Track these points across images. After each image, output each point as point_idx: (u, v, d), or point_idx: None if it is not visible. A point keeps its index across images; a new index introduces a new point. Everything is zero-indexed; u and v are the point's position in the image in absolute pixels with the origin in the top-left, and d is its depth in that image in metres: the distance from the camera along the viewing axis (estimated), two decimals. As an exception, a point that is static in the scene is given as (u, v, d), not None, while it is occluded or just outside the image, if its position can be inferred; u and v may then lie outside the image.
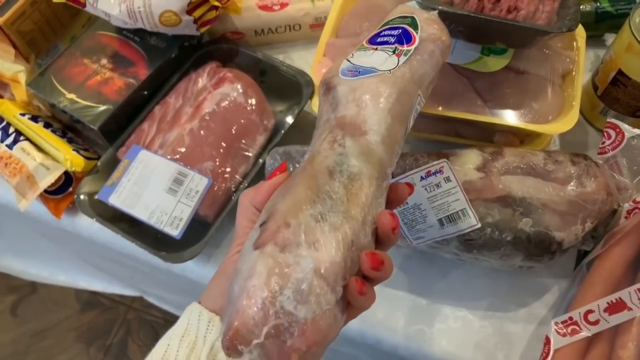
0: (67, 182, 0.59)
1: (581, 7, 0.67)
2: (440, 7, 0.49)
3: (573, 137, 0.63)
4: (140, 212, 0.54)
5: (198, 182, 0.54)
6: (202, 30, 0.61)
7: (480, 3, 0.50)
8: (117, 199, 0.55)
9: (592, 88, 0.62)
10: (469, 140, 0.58)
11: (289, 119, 0.61)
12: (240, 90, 0.59)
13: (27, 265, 0.87)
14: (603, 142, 0.51)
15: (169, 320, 1.25)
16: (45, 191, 0.59)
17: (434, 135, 0.58)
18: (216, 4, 0.59)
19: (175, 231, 0.53)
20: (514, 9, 0.50)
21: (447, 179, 0.51)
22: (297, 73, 0.63)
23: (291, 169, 0.55)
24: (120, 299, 1.32)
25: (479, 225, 0.49)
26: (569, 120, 0.53)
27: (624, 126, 0.51)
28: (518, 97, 0.54)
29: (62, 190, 0.59)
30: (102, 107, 0.59)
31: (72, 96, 0.59)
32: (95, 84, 0.60)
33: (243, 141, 0.58)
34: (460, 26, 0.51)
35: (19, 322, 1.31)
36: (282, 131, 0.60)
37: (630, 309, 0.45)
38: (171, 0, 0.57)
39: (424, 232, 0.51)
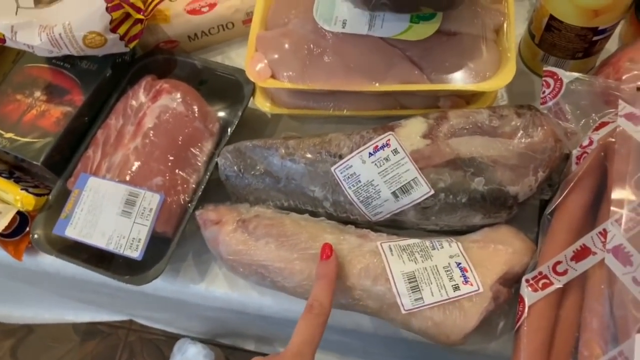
0: (22, 222, 0.58)
1: (508, -43, 0.67)
2: (357, -17, 0.49)
3: (519, 88, 0.63)
4: (98, 240, 0.53)
5: (150, 200, 0.54)
6: (131, 45, 0.60)
7: (397, -28, 0.49)
8: (74, 231, 0.54)
9: (529, 37, 0.61)
10: (416, 110, 0.58)
11: (235, 118, 0.60)
12: (180, 100, 0.58)
13: (9, 309, 0.87)
14: (543, 92, 0.51)
15: (170, 336, 1.25)
16: (2, 235, 0.58)
17: (379, 112, 0.58)
18: (139, 17, 0.58)
19: (135, 253, 0.52)
20: (433, -29, 0.49)
21: (395, 151, 0.50)
22: (236, 72, 0.62)
23: (240, 165, 0.55)
24: (119, 324, 1.31)
25: (432, 192, 0.49)
26: (507, 74, 0.52)
27: (561, 72, 0.51)
28: (453, 59, 0.54)
29: (19, 232, 0.58)
30: (43, 141, 0.58)
31: (10, 135, 0.58)
32: (32, 119, 0.59)
33: (191, 150, 0.57)
34: (382, -2, 0.51)
35: (22, 365, 1.30)
36: (230, 131, 0.59)
37: (595, 253, 0.45)
38: (92, 21, 0.56)
39: (381, 207, 0.51)
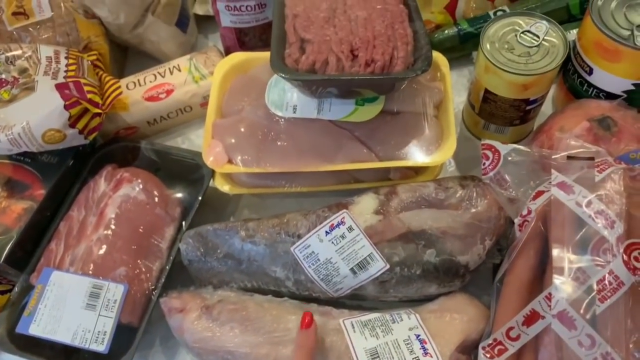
0: (-15, 321, 0.58)
1: (445, 31, 0.73)
2: (303, 77, 0.52)
3: (466, 153, 0.67)
4: (63, 336, 0.53)
5: (114, 291, 0.54)
6: (90, 137, 0.61)
7: (339, 63, 0.53)
8: (37, 328, 0.54)
9: (470, 107, 0.66)
10: (369, 182, 0.60)
11: (196, 201, 0.62)
12: (140, 188, 0.60)
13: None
14: (484, 164, 0.54)
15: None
16: (-36, 336, 0.57)
17: (335, 187, 0.61)
18: (97, 111, 0.60)
19: (101, 347, 0.53)
20: (371, 61, 0.53)
21: (350, 229, 0.53)
22: (195, 155, 0.64)
23: (202, 249, 0.56)
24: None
25: (388, 266, 0.52)
26: (448, 149, 0.56)
27: (498, 145, 0.54)
28: (398, 137, 0.57)
29: (-19, 331, 0.58)
30: (4, 238, 0.58)
31: (-30, 234, 0.58)
32: (-7, 216, 0.60)
33: (153, 237, 0.59)
34: (328, 88, 0.54)
35: None
36: (191, 215, 0.61)
37: (543, 317, 0.47)
38: (50, 119, 0.58)
39: (341, 284, 0.53)
